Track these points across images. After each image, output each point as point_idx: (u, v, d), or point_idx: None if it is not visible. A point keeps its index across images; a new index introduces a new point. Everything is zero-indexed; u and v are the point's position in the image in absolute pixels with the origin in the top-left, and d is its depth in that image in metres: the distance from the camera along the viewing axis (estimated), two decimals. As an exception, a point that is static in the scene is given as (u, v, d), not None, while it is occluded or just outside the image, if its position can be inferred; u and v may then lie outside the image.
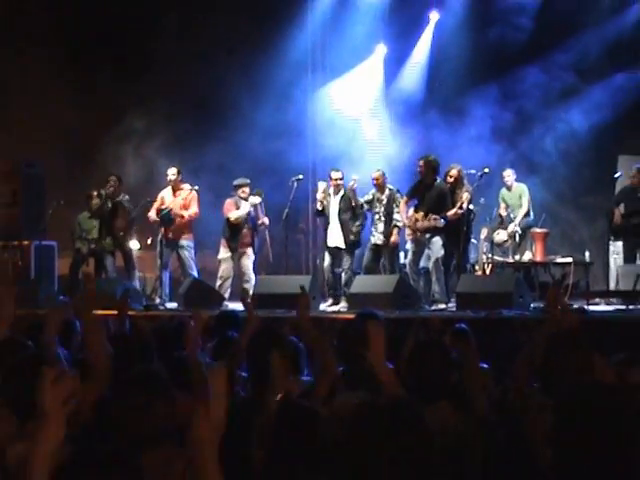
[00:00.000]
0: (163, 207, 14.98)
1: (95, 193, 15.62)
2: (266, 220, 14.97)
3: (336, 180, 14.35)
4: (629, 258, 14.69)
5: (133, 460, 2.97)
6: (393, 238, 14.26)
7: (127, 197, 15.50)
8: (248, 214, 14.73)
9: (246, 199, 14.77)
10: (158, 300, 14.83)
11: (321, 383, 5.24)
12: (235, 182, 14.92)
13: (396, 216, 14.13)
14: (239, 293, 14.45)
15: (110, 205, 15.44)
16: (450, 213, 13.46)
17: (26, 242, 16.32)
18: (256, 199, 14.79)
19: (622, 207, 14.66)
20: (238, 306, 14.01)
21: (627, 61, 16.12)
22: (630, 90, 16.03)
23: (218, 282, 14.70)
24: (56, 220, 16.04)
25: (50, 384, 2.98)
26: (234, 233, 14.80)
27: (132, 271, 15.46)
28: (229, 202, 14.87)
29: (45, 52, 18.14)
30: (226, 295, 14.50)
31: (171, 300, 14.99)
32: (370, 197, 14.38)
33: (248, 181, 14.88)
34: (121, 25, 17.61)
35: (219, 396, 3.21)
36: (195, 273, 15.00)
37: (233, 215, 14.72)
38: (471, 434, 4.68)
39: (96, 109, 17.84)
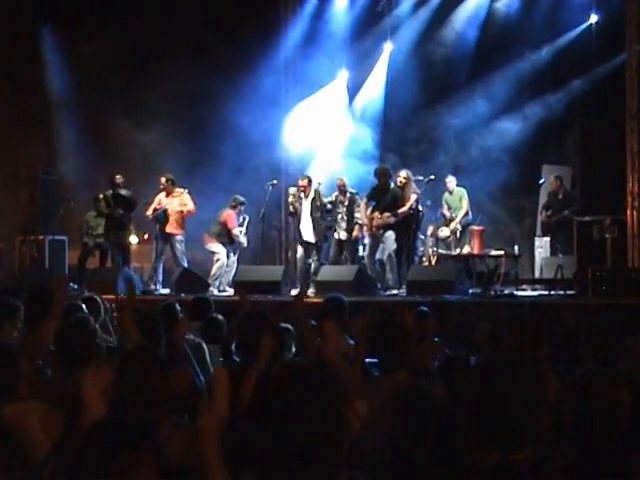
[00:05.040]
0: (159, 207, 15.06)
1: (101, 195, 15.64)
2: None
3: (302, 186, 14.48)
4: (554, 251, 14.86)
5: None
6: (355, 233, 14.35)
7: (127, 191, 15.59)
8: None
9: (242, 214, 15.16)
10: (153, 287, 14.87)
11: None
12: (238, 198, 15.06)
13: (357, 215, 14.23)
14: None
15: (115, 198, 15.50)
16: (400, 211, 13.56)
17: (41, 237, 16.41)
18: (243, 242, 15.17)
19: (550, 210, 14.87)
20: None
21: (551, 84, 16.27)
22: (553, 110, 16.17)
23: (222, 270, 14.80)
24: (67, 218, 16.06)
25: (90, 377, 2.88)
26: (230, 239, 14.99)
27: (128, 262, 15.53)
28: (232, 214, 14.98)
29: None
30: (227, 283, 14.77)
31: (164, 287, 15.03)
32: (333, 199, 14.47)
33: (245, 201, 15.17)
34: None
35: (221, 394, 3.17)
36: (185, 264, 15.04)
37: (236, 233, 14.93)
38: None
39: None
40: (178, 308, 7.42)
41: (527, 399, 2.80)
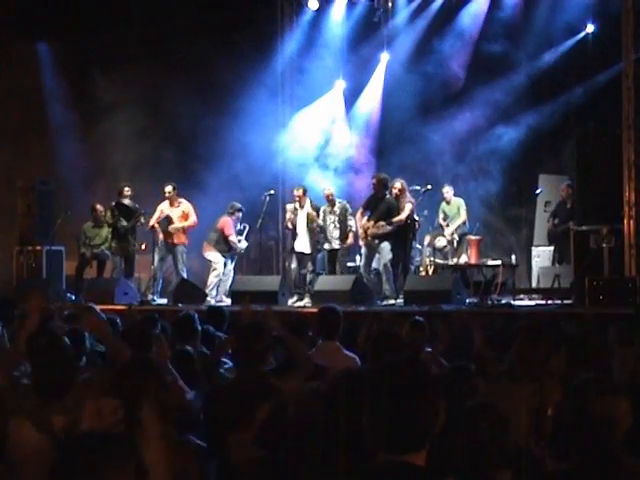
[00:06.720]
0: (163, 216, 15.07)
1: (99, 206, 15.67)
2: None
3: (297, 196, 14.53)
4: (559, 259, 14.73)
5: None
6: (349, 240, 14.39)
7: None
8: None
9: (240, 221, 15.08)
10: (150, 296, 14.85)
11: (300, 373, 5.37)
12: (236, 205, 15.04)
13: (350, 222, 14.27)
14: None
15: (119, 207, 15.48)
16: (395, 219, 13.56)
17: (38, 247, 16.38)
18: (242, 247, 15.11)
19: (557, 218, 14.77)
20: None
21: (548, 93, 16.27)
22: (549, 119, 16.17)
23: (219, 279, 14.75)
24: (64, 228, 16.05)
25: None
26: (228, 247, 14.94)
27: (131, 273, 15.53)
28: (229, 221, 14.96)
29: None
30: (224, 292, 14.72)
31: (161, 296, 15.02)
32: (322, 214, 14.50)
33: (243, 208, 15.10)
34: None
35: None
36: (185, 274, 15.02)
37: (233, 240, 14.87)
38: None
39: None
40: (197, 319, 7.29)
41: (417, 401, 2.79)
